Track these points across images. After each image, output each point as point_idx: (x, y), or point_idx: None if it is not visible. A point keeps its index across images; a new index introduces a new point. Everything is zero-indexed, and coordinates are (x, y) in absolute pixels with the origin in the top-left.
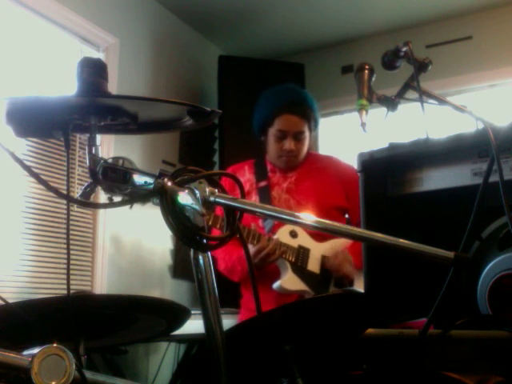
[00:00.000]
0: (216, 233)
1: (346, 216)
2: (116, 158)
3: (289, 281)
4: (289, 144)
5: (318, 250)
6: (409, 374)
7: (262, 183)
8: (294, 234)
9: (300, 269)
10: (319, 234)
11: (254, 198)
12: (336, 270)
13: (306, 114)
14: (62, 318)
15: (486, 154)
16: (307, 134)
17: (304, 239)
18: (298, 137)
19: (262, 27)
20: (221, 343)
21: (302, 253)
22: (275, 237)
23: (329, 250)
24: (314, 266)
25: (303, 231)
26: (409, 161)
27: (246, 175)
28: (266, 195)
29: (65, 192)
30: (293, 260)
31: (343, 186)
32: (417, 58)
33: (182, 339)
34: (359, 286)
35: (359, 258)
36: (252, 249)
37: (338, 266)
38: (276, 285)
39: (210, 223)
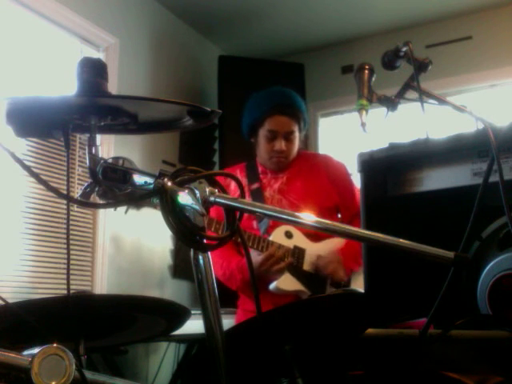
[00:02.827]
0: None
1: (339, 216)
2: (116, 158)
3: (285, 281)
4: (279, 144)
5: (313, 250)
6: (409, 374)
7: (254, 185)
8: (289, 235)
9: (296, 269)
10: (315, 233)
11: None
12: (322, 269)
13: (296, 115)
14: (62, 317)
15: (486, 153)
16: (297, 134)
17: (299, 239)
18: (288, 137)
19: (261, 27)
20: (221, 343)
21: (298, 253)
22: (270, 238)
23: (323, 250)
24: (309, 266)
25: (298, 231)
26: (409, 161)
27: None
28: (259, 197)
29: (65, 192)
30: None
31: (334, 183)
32: (417, 58)
33: (181, 339)
34: (359, 286)
35: (353, 260)
36: (259, 256)
37: (324, 265)
38: (272, 285)
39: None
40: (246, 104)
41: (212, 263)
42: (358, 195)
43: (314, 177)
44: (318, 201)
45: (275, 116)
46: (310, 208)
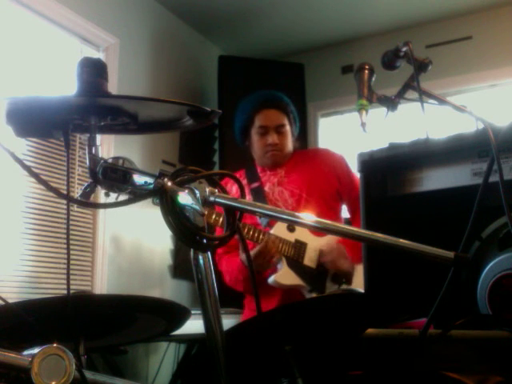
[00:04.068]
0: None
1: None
2: (116, 158)
3: (283, 275)
4: (272, 138)
5: (315, 245)
6: (409, 374)
7: (255, 184)
8: (291, 228)
9: (296, 263)
10: None
11: (248, 198)
12: (331, 265)
13: (283, 108)
14: (62, 318)
15: (486, 153)
16: (288, 127)
17: (301, 233)
18: (279, 130)
19: (261, 27)
20: (221, 343)
21: (299, 247)
22: (272, 231)
23: (326, 244)
24: (310, 260)
25: None
26: (409, 161)
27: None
28: (259, 193)
29: (65, 192)
30: (289, 254)
31: (332, 170)
32: (417, 58)
33: (181, 339)
34: (359, 284)
35: (353, 251)
36: (252, 251)
37: (332, 261)
38: (271, 279)
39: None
40: (235, 114)
41: (221, 272)
42: (358, 180)
43: (312, 167)
44: (318, 187)
45: (263, 111)
46: (311, 195)
